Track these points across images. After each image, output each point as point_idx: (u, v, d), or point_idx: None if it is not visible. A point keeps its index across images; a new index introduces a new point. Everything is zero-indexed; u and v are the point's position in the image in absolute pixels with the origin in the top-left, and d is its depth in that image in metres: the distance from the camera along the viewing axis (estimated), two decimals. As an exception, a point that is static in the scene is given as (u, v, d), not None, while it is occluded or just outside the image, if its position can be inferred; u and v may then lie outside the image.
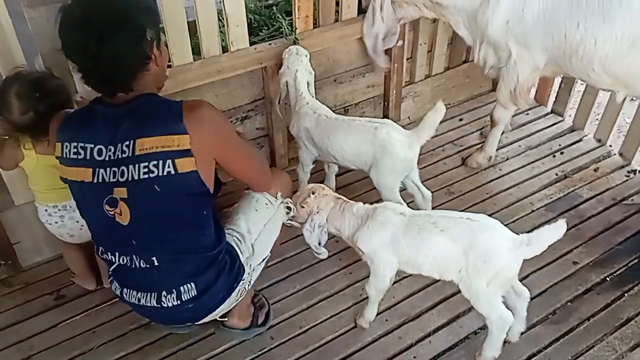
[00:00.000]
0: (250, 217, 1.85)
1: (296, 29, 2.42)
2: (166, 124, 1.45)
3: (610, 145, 2.89)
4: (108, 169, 1.49)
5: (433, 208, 2.39)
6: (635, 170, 2.73)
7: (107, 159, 1.49)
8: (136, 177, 1.47)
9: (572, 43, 2.09)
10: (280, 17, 2.50)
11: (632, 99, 2.62)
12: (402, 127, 2.15)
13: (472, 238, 1.67)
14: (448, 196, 2.63)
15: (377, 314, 2.07)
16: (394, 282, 2.12)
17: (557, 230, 1.63)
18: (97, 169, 1.50)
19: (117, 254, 1.62)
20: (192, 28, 2.19)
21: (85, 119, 1.53)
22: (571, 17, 2.06)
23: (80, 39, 1.39)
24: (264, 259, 1.91)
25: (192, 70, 2.20)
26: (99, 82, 1.49)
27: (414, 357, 1.94)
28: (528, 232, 2.37)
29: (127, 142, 1.46)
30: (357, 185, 2.69)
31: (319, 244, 1.91)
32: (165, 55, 1.58)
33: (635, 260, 2.27)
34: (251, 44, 2.36)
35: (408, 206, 2.25)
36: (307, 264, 2.25)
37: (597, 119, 2.94)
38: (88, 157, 1.49)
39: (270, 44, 2.39)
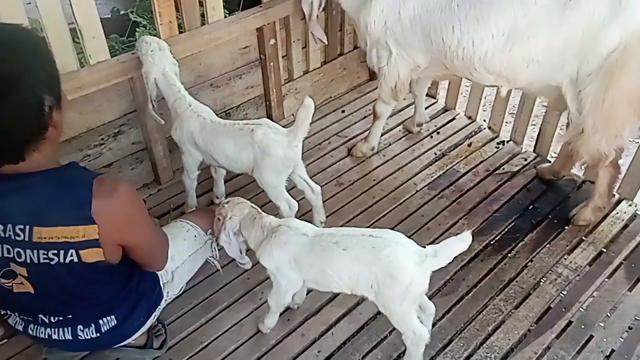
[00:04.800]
0: (177, 244, 1.86)
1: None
2: (70, 212, 1.31)
3: (484, 120, 3.09)
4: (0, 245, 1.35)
5: (324, 201, 2.42)
6: (503, 141, 2.94)
7: None
8: (35, 261, 1.35)
9: (450, 46, 2.15)
10: (138, 30, 2.37)
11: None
12: (287, 125, 2.13)
13: (375, 255, 1.62)
14: (338, 187, 2.68)
15: (279, 315, 2.06)
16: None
17: (462, 241, 1.58)
18: None
19: (16, 313, 1.53)
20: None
21: None
22: (446, 22, 2.13)
23: None
24: (180, 289, 1.96)
25: (48, 89, 2.04)
26: None
27: (318, 352, 1.95)
28: (416, 211, 2.53)
29: (21, 226, 1.31)
30: (248, 188, 2.64)
31: (241, 252, 1.88)
32: (65, 109, 1.40)
33: (512, 224, 2.45)
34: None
35: (299, 202, 2.29)
36: (202, 276, 2.18)
37: (465, 97, 3.14)
38: None
39: (133, 54, 2.26)
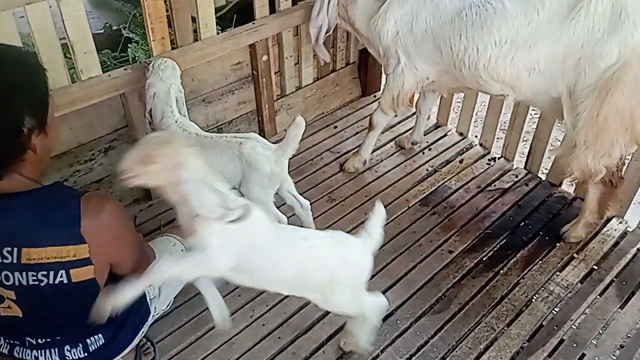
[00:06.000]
0: None
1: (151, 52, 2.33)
2: (59, 232, 1.29)
3: (476, 136, 3.11)
4: None
5: (316, 217, 2.41)
6: (495, 157, 2.96)
7: None
8: (24, 283, 1.32)
9: (458, 54, 2.19)
10: (130, 46, 2.37)
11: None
12: (279, 140, 2.11)
13: (336, 257, 1.64)
14: (330, 203, 2.67)
15: (270, 333, 2.05)
16: (285, 297, 2.12)
17: (379, 214, 1.74)
18: None
19: (1, 337, 1.48)
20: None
21: None
22: (454, 30, 2.16)
23: None
24: (168, 305, 1.93)
25: (38, 104, 2.02)
26: None
27: (310, 371, 1.93)
28: (407, 227, 2.53)
29: (9, 249, 1.29)
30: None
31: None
32: (53, 134, 1.37)
33: (503, 241, 2.45)
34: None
35: (289, 219, 2.27)
36: (192, 294, 2.15)
37: (457, 113, 3.16)
38: None
39: (125, 69, 2.27)
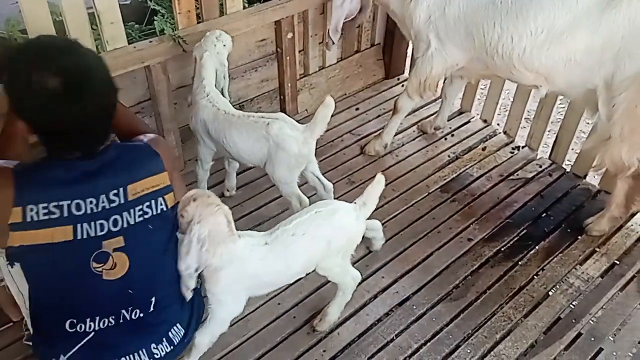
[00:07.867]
0: None
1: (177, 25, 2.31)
2: (149, 165, 1.49)
3: (498, 124, 3.06)
4: (93, 223, 1.40)
5: (336, 199, 2.39)
6: (519, 146, 2.91)
7: (88, 212, 1.39)
8: (132, 222, 1.45)
9: (491, 42, 2.15)
10: (156, 18, 2.36)
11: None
12: (300, 120, 2.10)
13: (327, 227, 1.73)
14: (349, 186, 2.65)
15: (285, 312, 2.05)
16: (301, 278, 2.12)
17: (379, 183, 1.79)
18: (79, 225, 1.39)
19: (97, 318, 1.47)
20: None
21: (50, 176, 1.38)
22: (488, 18, 2.12)
23: (69, 107, 1.32)
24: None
25: (64, 73, 2.02)
26: (84, 142, 1.42)
27: (324, 351, 1.93)
28: (427, 213, 2.51)
29: (116, 191, 1.43)
30: (260, 182, 2.63)
31: (196, 270, 1.55)
32: None
33: (524, 232, 2.42)
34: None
35: (310, 199, 2.26)
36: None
37: (481, 100, 3.11)
38: (66, 215, 1.37)
39: (150, 42, 2.25)
